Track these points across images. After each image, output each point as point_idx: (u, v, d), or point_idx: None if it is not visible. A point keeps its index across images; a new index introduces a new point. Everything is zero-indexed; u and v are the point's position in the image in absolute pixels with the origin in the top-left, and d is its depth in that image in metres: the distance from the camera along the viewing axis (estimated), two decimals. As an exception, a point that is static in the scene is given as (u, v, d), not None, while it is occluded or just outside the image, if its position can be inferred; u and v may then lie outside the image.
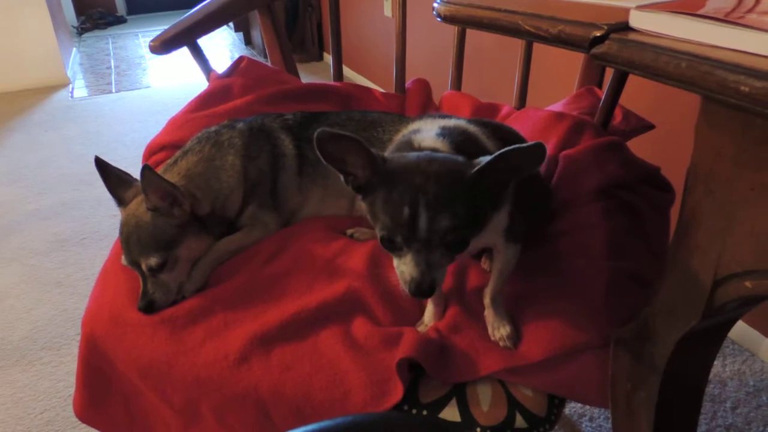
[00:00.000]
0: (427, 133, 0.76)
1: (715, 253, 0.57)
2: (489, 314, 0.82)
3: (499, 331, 0.80)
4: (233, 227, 1.05)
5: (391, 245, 0.67)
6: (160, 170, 1.02)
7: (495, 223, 0.75)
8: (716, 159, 0.55)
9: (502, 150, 0.63)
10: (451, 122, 0.82)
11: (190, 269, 0.96)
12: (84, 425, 0.99)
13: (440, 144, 0.73)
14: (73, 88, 4.16)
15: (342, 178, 0.69)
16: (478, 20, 0.72)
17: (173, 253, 0.94)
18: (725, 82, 0.46)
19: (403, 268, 0.66)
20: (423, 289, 0.65)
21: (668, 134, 1.36)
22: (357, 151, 0.66)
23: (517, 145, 0.63)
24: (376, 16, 3.20)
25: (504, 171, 0.65)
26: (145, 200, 0.94)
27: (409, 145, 0.74)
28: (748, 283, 0.56)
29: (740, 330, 1.57)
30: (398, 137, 0.84)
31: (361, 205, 0.71)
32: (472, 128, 0.81)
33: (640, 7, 0.57)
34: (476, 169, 0.64)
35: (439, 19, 0.79)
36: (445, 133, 0.75)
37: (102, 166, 0.99)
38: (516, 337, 0.80)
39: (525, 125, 1.15)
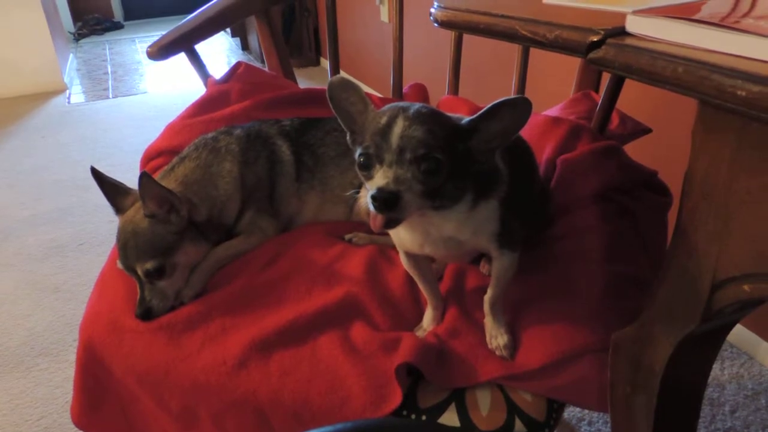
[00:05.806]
0: None
1: (713, 256, 0.57)
2: (488, 321, 0.82)
3: (496, 340, 0.80)
4: (231, 233, 1.05)
5: (365, 167, 0.68)
6: (157, 176, 1.02)
7: (484, 223, 0.75)
8: (713, 163, 0.55)
9: (494, 102, 0.66)
10: None
11: (188, 275, 0.96)
12: (81, 432, 0.99)
13: None
14: (70, 94, 4.16)
15: (348, 136, 0.74)
16: (474, 25, 0.72)
17: (170, 259, 0.93)
18: (722, 86, 0.46)
19: (371, 184, 0.66)
20: (385, 196, 0.64)
21: (665, 138, 1.37)
22: (357, 101, 0.72)
23: (505, 98, 0.66)
24: (373, 21, 3.21)
25: (490, 131, 0.68)
26: (142, 207, 0.94)
27: None
28: (746, 287, 0.56)
29: (738, 333, 1.57)
30: None
31: (361, 208, 0.71)
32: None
33: (636, 12, 0.57)
34: (465, 119, 0.68)
35: (436, 25, 0.79)
36: None
37: (98, 176, 0.98)
38: (513, 347, 0.79)
39: (522, 130, 1.14)
